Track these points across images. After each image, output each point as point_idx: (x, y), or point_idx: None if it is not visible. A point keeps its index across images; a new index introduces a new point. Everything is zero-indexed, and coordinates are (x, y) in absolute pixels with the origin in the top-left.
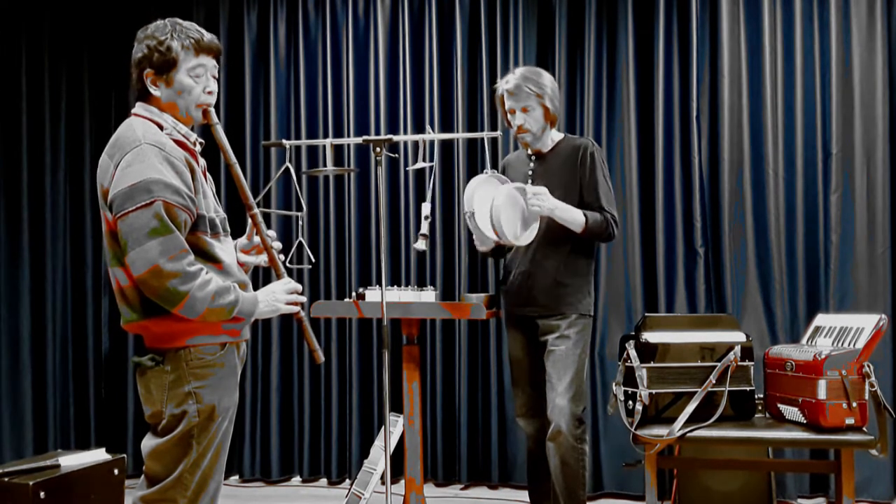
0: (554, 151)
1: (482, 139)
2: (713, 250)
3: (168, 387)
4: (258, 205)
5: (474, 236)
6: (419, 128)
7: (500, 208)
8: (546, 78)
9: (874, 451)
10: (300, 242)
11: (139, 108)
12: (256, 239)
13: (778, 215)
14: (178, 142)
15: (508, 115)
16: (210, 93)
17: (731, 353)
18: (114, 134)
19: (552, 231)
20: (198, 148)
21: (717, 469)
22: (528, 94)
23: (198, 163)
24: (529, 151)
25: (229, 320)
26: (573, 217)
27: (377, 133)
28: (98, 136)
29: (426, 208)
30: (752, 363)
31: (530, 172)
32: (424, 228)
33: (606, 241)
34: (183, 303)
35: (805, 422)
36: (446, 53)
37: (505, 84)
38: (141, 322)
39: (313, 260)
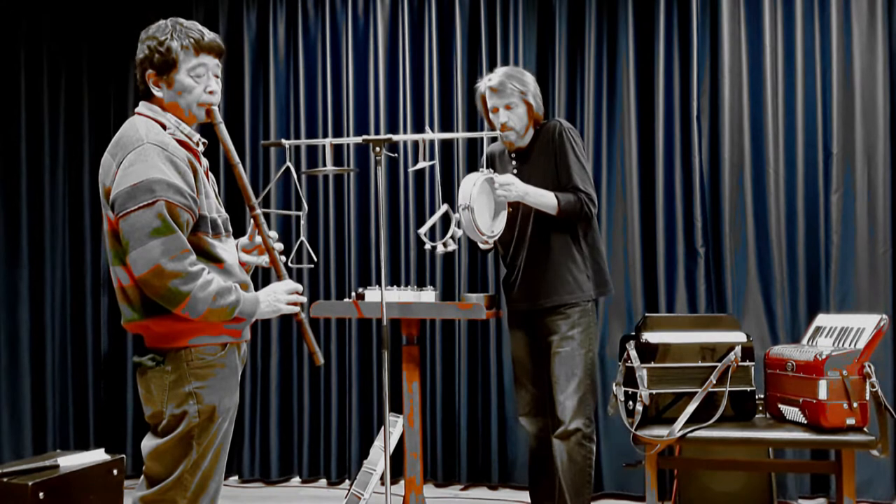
0: (532, 145)
1: (482, 139)
2: (713, 250)
3: (168, 387)
4: (258, 205)
5: (465, 231)
6: (419, 128)
7: (475, 202)
8: (529, 76)
9: (875, 452)
10: (302, 242)
11: (142, 107)
12: (258, 239)
13: (778, 215)
14: (180, 142)
15: (490, 115)
16: (212, 92)
17: (732, 353)
18: (117, 133)
19: (542, 222)
20: (200, 148)
21: (718, 469)
22: (512, 90)
23: (200, 163)
24: (509, 149)
25: (230, 320)
26: (546, 201)
27: (377, 133)
28: (97, 135)
29: (444, 208)
30: (753, 363)
31: (515, 172)
32: (452, 230)
33: (585, 220)
34: (184, 303)
35: (806, 422)
36: (446, 53)
37: (488, 81)
38: (142, 322)
39: (315, 259)
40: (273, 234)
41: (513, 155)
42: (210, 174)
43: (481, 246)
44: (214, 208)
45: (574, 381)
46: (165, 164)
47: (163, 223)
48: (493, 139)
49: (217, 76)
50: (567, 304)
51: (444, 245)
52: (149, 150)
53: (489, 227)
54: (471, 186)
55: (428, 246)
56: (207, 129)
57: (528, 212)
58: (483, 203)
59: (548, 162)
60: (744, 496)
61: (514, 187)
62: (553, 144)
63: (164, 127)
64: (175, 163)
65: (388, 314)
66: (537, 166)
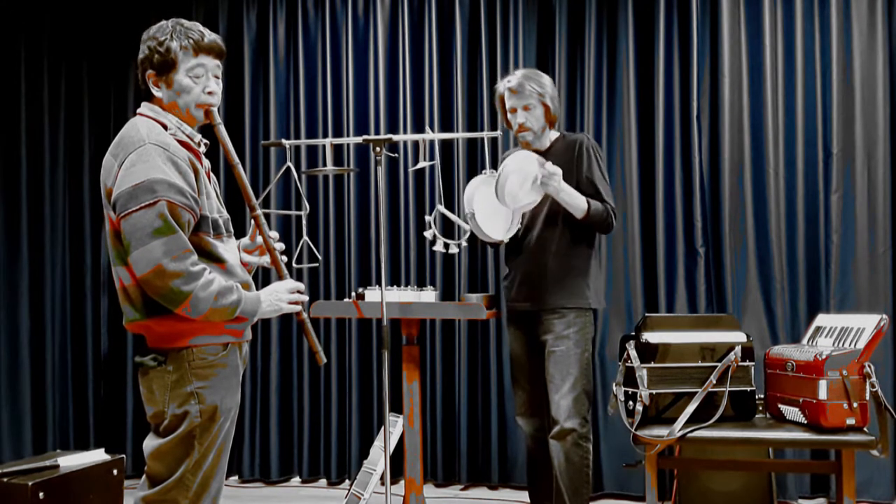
0: (551, 150)
1: (482, 139)
2: (713, 250)
3: (170, 387)
4: (259, 205)
5: (477, 235)
6: (419, 128)
7: (511, 172)
8: (546, 79)
9: (875, 452)
10: (305, 241)
11: (144, 107)
12: (259, 239)
13: (778, 215)
14: (182, 142)
15: (509, 115)
16: (210, 93)
17: (732, 353)
18: (118, 133)
19: (550, 227)
20: (202, 149)
21: (718, 470)
22: (531, 92)
23: (202, 163)
24: (525, 150)
25: (232, 320)
26: (577, 202)
27: (377, 133)
28: (97, 136)
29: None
30: (753, 363)
31: None
32: (432, 231)
33: (606, 231)
34: (186, 303)
35: (806, 422)
36: (446, 53)
37: (507, 83)
38: (143, 322)
39: (320, 258)
40: (274, 234)
41: None
42: (211, 175)
43: (492, 236)
44: (216, 209)
45: (569, 381)
46: (167, 165)
47: (164, 223)
48: (494, 139)
49: (217, 77)
50: (566, 307)
51: (447, 247)
52: (150, 151)
53: (515, 198)
54: (472, 192)
55: (440, 248)
56: (207, 130)
57: (538, 213)
58: (516, 180)
59: (567, 171)
60: (744, 496)
61: (557, 178)
62: (579, 158)
63: (165, 127)
64: (176, 163)
65: (389, 314)
66: None
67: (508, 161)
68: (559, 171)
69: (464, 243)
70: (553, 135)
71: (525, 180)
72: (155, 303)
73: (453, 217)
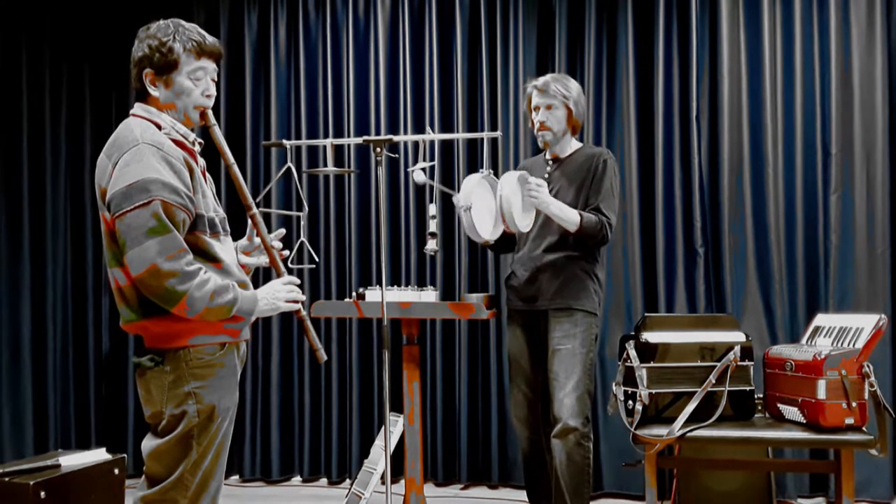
0: (571, 158)
1: (482, 139)
2: (713, 250)
3: (168, 387)
4: (258, 205)
5: (466, 230)
6: (419, 128)
7: (510, 196)
8: (573, 84)
9: (874, 451)
10: (302, 242)
11: (137, 108)
12: (257, 240)
13: (778, 215)
14: (176, 141)
15: (533, 112)
16: (209, 96)
17: (731, 352)
18: (112, 134)
19: (561, 231)
20: (196, 148)
21: (717, 469)
22: (556, 92)
23: (196, 162)
24: (548, 155)
25: (229, 320)
26: (568, 215)
27: (377, 133)
28: (98, 136)
29: (433, 209)
30: (752, 363)
31: (546, 175)
32: (433, 227)
33: (600, 244)
34: (181, 302)
35: (805, 421)
36: (446, 53)
37: (535, 81)
38: (140, 322)
39: (317, 260)
40: (281, 231)
41: (549, 161)
42: (207, 174)
43: (481, 234)
44: (212, 207)
45: (573, 379)
46: (161, 164)
47: (159, 223)
48: (494, 139)
49: (214, 80)
50: (573, 308)
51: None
52: (144, 151)
53: (520, 220)
54: (471, 188)
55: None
56: (203, 131)
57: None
58: (516, 200)
59: (583, 180)
60: (743, 495)
61: (543, 192)
62: (594, 168)
63: (159, 127)
64: (171, 162)
65: (389, 314)
66: (571, 181)
67: (502, 186)
68: (544, 183)
69: (434, 246)
70: (575, 144)
71: (517, 200)
72: (151, 303)
73: (450, 191)
